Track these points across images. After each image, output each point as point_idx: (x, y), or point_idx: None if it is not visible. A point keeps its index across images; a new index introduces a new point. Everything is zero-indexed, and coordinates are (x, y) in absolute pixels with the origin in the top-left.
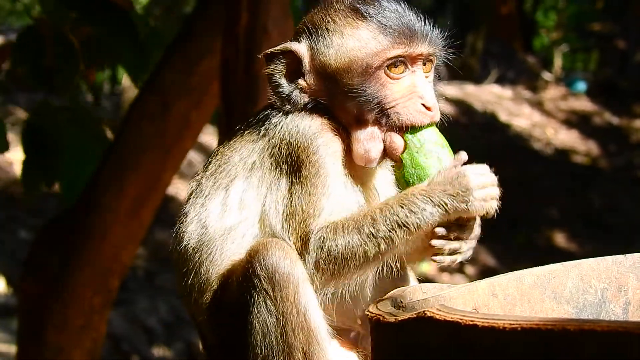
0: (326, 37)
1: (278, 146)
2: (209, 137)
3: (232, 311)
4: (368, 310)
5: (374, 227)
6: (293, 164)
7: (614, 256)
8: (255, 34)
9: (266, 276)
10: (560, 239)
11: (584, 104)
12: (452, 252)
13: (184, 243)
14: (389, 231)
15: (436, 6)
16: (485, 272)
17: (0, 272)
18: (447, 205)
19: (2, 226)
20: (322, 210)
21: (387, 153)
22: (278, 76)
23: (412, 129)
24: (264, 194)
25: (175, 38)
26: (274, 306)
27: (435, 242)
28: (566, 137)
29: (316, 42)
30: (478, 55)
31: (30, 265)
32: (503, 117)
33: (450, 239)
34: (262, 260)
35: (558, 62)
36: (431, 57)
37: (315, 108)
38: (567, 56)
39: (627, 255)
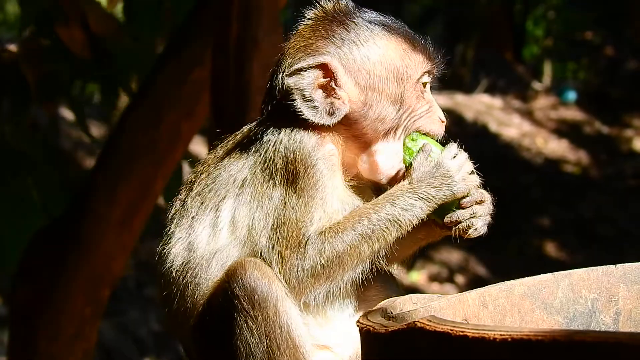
0: (360, 48)
1: (272, 159)
2: (198, 146)
3: (216, 333)
4: (358, 321)
5: (369, 228)
6: (289, 177)
7: (604, 266)
8: (245, 44)
9: (245, 296)
10: (550, 248)
11: (574, 114)
12: (465, 229)
13: (168, 265)
14: (383, 230)
15: (426, 16)
16: (476, 282)
17: None
18: (434, 197)
19: None
20: (319, 220)
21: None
22: (310, 89)
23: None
24: (255, 209)
25: (166, 47)
26: (255, 326)
27: (447, 219)
28: (556, 147)
29: (348, 54)
30: (468, 65)
31: (21, 274)
32: (493, 126)
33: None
34: (239, 280)
35: (548, 71)
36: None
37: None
38: (557, 65)
39: (618, 265)
